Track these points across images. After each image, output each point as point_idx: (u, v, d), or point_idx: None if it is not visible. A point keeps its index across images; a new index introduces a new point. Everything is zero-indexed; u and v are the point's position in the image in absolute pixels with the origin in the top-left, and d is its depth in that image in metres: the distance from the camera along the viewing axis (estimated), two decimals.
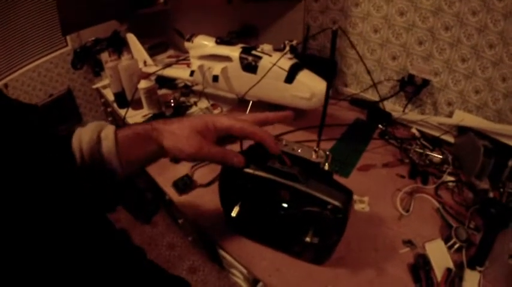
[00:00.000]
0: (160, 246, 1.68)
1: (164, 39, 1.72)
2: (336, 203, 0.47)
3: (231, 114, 0.90)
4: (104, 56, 1.27)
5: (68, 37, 1.56)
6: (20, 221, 0.31)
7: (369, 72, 1.03)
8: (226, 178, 0.56)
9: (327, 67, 0.94)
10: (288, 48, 0.90)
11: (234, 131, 0.49)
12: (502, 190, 0.73)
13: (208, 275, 1.53)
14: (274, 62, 0.88)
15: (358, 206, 0.74)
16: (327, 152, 0.52)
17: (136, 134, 0.49)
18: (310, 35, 1.14)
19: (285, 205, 0.53)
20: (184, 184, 0.81)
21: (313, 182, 0.49)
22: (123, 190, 1.42)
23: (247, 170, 0.52)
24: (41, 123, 0.44)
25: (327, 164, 0.52)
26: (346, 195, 0.50)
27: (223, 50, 1.00)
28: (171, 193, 0.81)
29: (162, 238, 1.71)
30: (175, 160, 0.89)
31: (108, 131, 0.47)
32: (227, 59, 0.98)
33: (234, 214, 0.57)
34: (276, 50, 0.95)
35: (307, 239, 0.51)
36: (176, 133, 0.48)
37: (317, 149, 0.51)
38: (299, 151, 0.52)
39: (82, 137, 0.46)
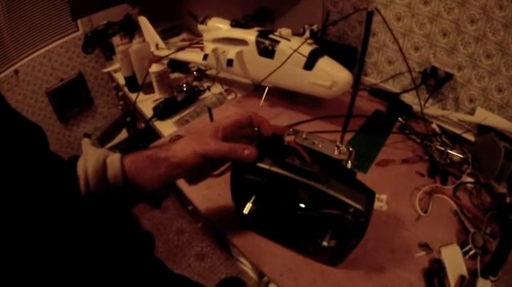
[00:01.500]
0: (169, 231, 1.68)
1: (178, 22, 1.68)
2: (359, 206, 0.44)
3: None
4: (116, 39, 1.25)
5: (79, 21, 1.53)
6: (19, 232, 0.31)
7: (408, 68, 0.97)
8: (239, 172, 0.54)
9: (349, 54, 0.90)
10: (308, 33, 0.86)
11: (240, 121, 0.52)
12: None
13: (216, 262, 1.53)
14: (293, 47, 0.84)
15: (376, 205, 0.71)
16: (350, 149, 0.49)
17: (143, 157, 0.48)
18: (332, 20, 1.09)
19: (303, 205, 0.50)
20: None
21: (334, 182, 0.46)
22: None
23: (262, 165, 0.49)
24: (44, 145, 0.44)
25: (349, 161, 0.49)
26: (369, 197, 0.47)
27: (239, 33, 0.96)
28: (181, 183, 0.79)
29: (171, 224, 1.71)
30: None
31: (114, 158, 0.46)
32: (243, 42, 0.94)
33: (246, 211, 0.54)
34: (295, 34, 0.91)
35: (324, 243, 0.48)
36: (185, 144, 0.49)
37: (340, 145, 0.48)
38: (320, 145, 0.49)
39: (87, 161, 0.44)
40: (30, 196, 0.33)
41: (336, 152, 0.48)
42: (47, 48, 1.50)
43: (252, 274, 1.28)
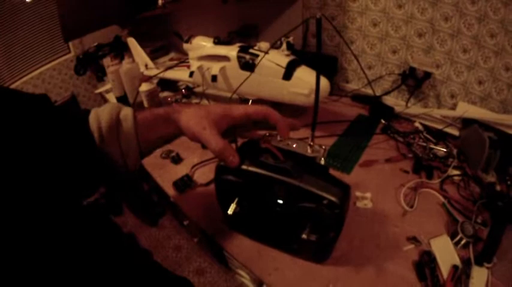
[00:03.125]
0: (167, 248, 1.68)
1: (166, 42, 1.72)
2: (332, 198, 0.46)
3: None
4: (107, 61, 1.29)
5: (70, 44, 1.58)
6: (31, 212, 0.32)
7: (362, 69, 1.01)
8: (221, 174, 0.55)
9: (320, 57, 0.92)
10: (284, 45, 0.89)
11: (253, 115, 0.51)
12: (509, 182, 0.71)
13: (215, 277, 1.52)
14: (272, 59, 0.88)
15: (360, 203, 0.72)
16: (323, 147, 0.51)
17: (156, 115, 0.50)
18: (297, 29, 1.13)
19: (281, 202, 0.52)
20: (185, 184, 0.81)
21: (308, 177, 0.48)
22: (128, 192, 1.43)
23: (241, 166, 0.51)
24: (54, 108, 0.45)
25: (322, 158, 0.50)
26: (343, 190, 0.49)
27: (221, 49, 0.99)
28: (172, 193, 0.81)
29: (168, 240, 1.71)
30: (176, 160, 0.89)
31: (127, 112, 0.48)
32: (225, 58, 0.98)
33: (230, 211, 0.55)
34: (274, 47, 0.94)
35: (304, 236, 0.50)
36: (191, 113, 0.49)
37: (312, 144, 0.50)
38: (294, 146, 0.51)
39: (100, 117, 0.46)
40: (48, 152, 0.35)
41: (309, 151, 0.50)
42: (40, 70, 1.53)
43: (251, 286, 1.27)
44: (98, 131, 0.45)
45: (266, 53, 0.87)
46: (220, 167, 0.54)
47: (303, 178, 0.48)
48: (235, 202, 0.56)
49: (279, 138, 0.52)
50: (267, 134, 0.53)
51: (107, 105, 0.49)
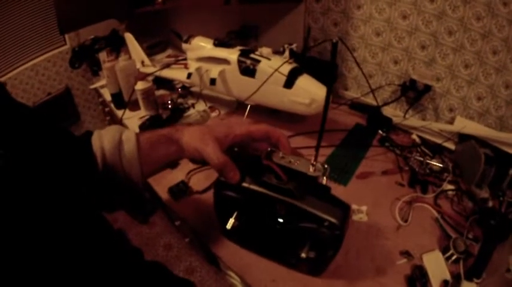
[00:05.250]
0: (157, 246, 1.67)
1: (163, 38, 1.70)
2: (333, 220, 0.46)
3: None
4: (102, 55, 1.26)
5: (66, 36, 1.55)
6: (29, 219, 0.31)
7: (367, 80, 1.01)
8: (221, 189, 0.55)
9: (327, 74, 0.93)
10: (287, 52, 0.88)
11: (255, 133, 0.53)
12: (501, 199, 0.72)
13: (205, 277, 1.53)
14: (274, 66, 0.87)
15: (356, 216, 0.73)
16: (325, 165, 0.50)
17: (158, 135, 0.52)
18: (311, 45, 1.13)
19: (281, 220, 0.52)
20: (180, 190, 0.80)
21: (309, 198, 0.48)
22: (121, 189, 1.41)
23: (243, 184, 0.51)
24: (57, 126, 0.45)
25: (324, 178, 0.50)
26: (343, 210, 0.49)
27: (221, 52, 0.98)
28: (167, 199, 0.80)
29: (159, 239, 1.71)
30: (173, 165, 0.87)
31: (129, 134, 0.49)
32: (225, 61, 0.96)
33: (228, 226, 0.55)
34: (275, 53, 0.94)
35: (303, 255, 0.50)
36: (194, 130, 0.51)
37: (314, 163, 0.49)
38: (296, 163, 0.50)
39: (103, 137, 0.47)
40: (51, 173, 0.34)
41: (311, 169, 0.49)
42: (34, 61, 1.51)
43: None
44: (100, 151, 0.45)
45: (276, 70, 0.86)
46: (220, 182, 0.54)
47: (304, 199, 0.48)
48: (234, 217, 0.56)
49: (281, 154, 0.52)
50: (269, 150, 0.52)
51: (110, 127, 0.50)
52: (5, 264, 0.29)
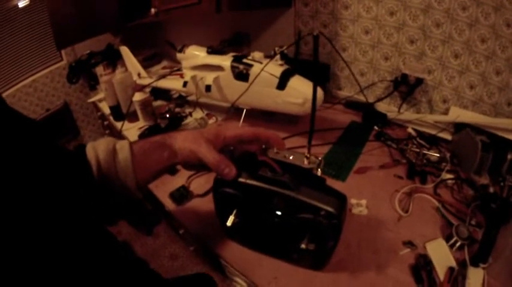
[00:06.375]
0: (162, 257, 1.67)
1: (158, 50, 1.72)
2: (329, 209, 0.47)
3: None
4: (99, 69, 1.27)
5: (63, 51, 1.56)
6: (29, 229, 0.31)
7: (355, 78, 1.02)
8: (219, 187, 0.56)
9: (317, 71, 0.94)
10: (278, 54, 0.90)
11: (244, 136, 0.53)
12: (502, 184, 0.72)
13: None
14: (266, 69, 0.88)
15: (355, 210, 0.73)
16: (319, 158, 0.51)
17: (152, 142, 0.53)
18: (295, 42, 1.14)
19: (279, 213, 0.52)
20: (181, 195, 0.81)
21: (305, 189, 0.49)
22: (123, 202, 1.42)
23: (239, 179, 0.52)
24: (49, 138, 0.45)
25: (319, 169, 0.51)
26: (340, 200, 0.49)
27: (215, 59, 1.00)
28: (168, 204, 0.81)
29: (164, 249, 1.70)
30: (172, 171, 0.88)
31: (123, 143, 0.50)
32: (219, 68, 0.98)
33: (229, 223, 0.56)
34: (267, 57, 0.95)
35: (303, 246, 0.50)
36: (186, 134, 0.53)
37: (308, 156, 0.50)
38: (290, 157, 0.51)
39: (97, 147, 0.48)
40: (46, 186, 0.35)
41: (305, 162, 0.50)
42: (32, 78, 1.52)
43: None
44: (95, 159, 0.46)
45: (262, 69, 0.87)
46: (218, 181, 0.55)
47: (300, 190, 0.49)
48: (233, 214, 0.56)
49: (275, 150, 0.52)
50: (264, 147, 0.53)
51: (104, 138, 0.51)
52: (9, 276, 0.29)
